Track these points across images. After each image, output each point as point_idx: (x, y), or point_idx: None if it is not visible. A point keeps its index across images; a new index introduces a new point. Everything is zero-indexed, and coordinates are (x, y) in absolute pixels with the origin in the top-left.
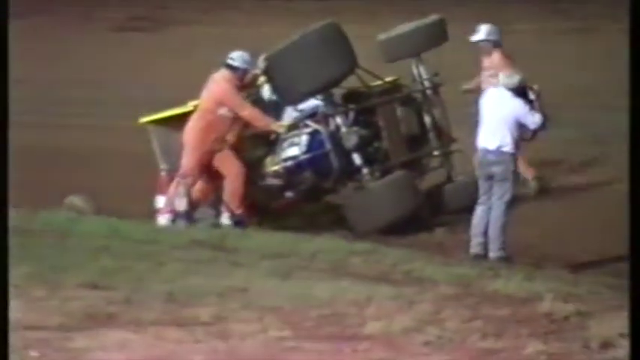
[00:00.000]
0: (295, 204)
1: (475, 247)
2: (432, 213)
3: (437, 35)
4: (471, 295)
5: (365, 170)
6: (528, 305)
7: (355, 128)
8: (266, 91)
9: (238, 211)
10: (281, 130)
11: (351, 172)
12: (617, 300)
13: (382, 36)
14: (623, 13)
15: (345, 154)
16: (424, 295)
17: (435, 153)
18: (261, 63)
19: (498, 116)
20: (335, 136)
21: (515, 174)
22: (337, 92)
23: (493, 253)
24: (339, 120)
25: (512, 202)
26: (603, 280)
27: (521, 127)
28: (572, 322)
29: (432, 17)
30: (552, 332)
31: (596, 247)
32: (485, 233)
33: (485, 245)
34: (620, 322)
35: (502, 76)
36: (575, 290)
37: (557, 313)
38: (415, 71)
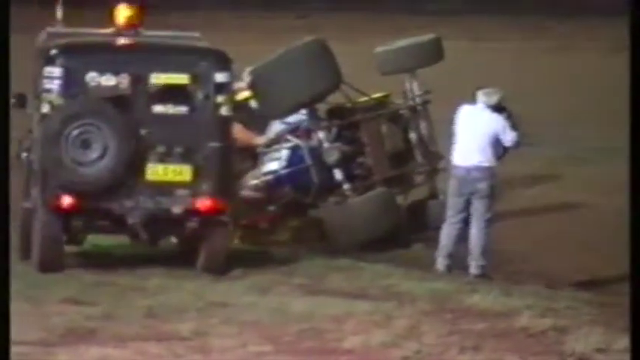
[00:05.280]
0: (276, 218)
1: (441, 265)
2: (415, 229)
3: (433, 53)
4: (449, 310)
5: (346, 186)
6: (506, 320)
7: (337, 144)
8: (254, 105)
9: None
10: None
11: (333, 187)
12: (594, 315)
13: (379, 49)
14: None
15: (326, 170)
16: (402, 310)
17: (420, 170)
18: (246, 77)
19: (479, 132)
20: (316, 151)
21: (497, 190)
22: (322, 107)
23: (473, 270)
24: (321, 135)
25: (493, 219)
26: (580, 296)
27: (497, 143)
28: (549, 337)
29: (430, 35)
30: (529, 347)
31: (573, 264)
32: (453, 253)
33: (450, 265)
34: (596, 337)
35: (481, 94)
36: (552, 305)
37: (535, 328)
38: (407, 87)
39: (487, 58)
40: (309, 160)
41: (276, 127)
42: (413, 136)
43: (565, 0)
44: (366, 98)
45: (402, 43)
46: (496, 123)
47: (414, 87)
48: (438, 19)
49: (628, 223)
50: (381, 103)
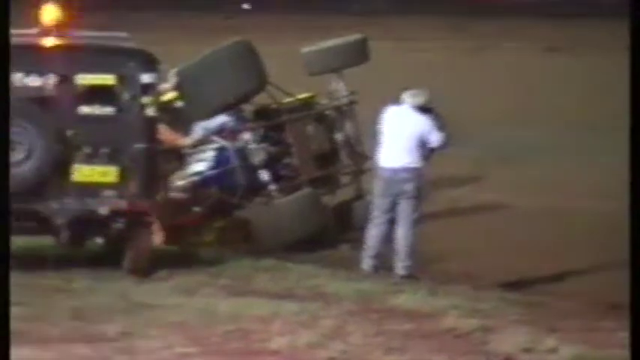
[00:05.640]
0: (202, 219)
1: (367, 265)
2: (341, 229)
3: (359, 53)
4: (375, 311)
5: (272, 187)
6: (432, 320)
7: (263, 145)
8: (180, 106)
9: None
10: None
11: (259, 188)
12: (520, 315)
13: (306, 49)
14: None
15: (252, 170)
16: (329, 310)
17: (346, 170)
18: (172, 78)
19: (405, 134)
20: (242, 152)
21: (424, 191)
22: (248, 108)
23: (400, 270)
24: (247, 136)
25: (419, 220)
26: (506, 296)
27: (423, 144)
28: (476, 337)
29: (356, 36)
30: (456, 347)
31: (499, 264)
32: (379, 253)
33: (376, 265)
34: (522, 337)
35: (407, 95)
36: (478, 305)
37: (461, 328)
38: (333, 87)
39: (413, 59)
40: (235, 161)
41: (201, 128)
42: (339, 136)
43: (489, 2)
44: (292, 99)
45: (329, 43)
46: (422, 124)
47: (340, 87)
48: (363, 19)
49: (554, 223)
50: (307, 103)
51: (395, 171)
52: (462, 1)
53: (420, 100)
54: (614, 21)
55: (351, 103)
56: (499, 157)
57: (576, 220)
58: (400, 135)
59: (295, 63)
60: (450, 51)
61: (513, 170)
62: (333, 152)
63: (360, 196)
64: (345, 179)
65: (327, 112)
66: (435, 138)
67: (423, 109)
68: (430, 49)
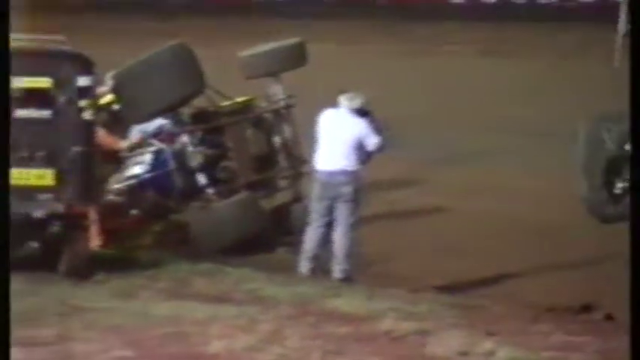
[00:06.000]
0: (140, 222)
1: (304, 269)
2: (279, 233)
3: (297, 57)
4: (313, 314)
5: (210, 190)
6: (369, 323)
7: (201, 148)
8: (117, 109)
9: None
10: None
11: (196, 191)
12: (456, 318)
13: (243, 53)
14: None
15: (189, 174)
16: (266, 314)
17: (284, 173)
18: (109, 80)
19: (342, 137)
20: (180, 156)
21: (361, 194)
22: (186, 112)
23: (337, 273)
24: (185, 139)
25: (357, 223)
26: (443, 299)
27: (360, 148)
28: (412, 340)
29: (294, 39)
30: (392, 350)
31: (437, 267)
32: (317, 256)
33: (314, 269)
34: (458, 340)
35: (343, 98)
36: (415, 309)
37: (398, 331)
38: (271, 91)
39: (351, 62)
40: (172, 165)
41: (139, 131)
42: (277, 140)
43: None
44: (230, 102)
45: (266, 47)
46: (359, 127)
47: (278, 91)
48: (301, 23)
49: (491, 226)
50: (246, 107)
51: (332, 174)
52: (399, 5)
53: (357, 103)
54: (549, 25)
55: (289, 106)
56: (437, 161)
57: (513, 223)
58: (337, 138)
59: (233, 66)
60: (388, 54)
61: (451, 173)
62: (271, 155)
63: (297, 199)
64: (283, 183)
65: (265, 116)
66: (372, 141)
67: (360, 112)
68: (368, 52)
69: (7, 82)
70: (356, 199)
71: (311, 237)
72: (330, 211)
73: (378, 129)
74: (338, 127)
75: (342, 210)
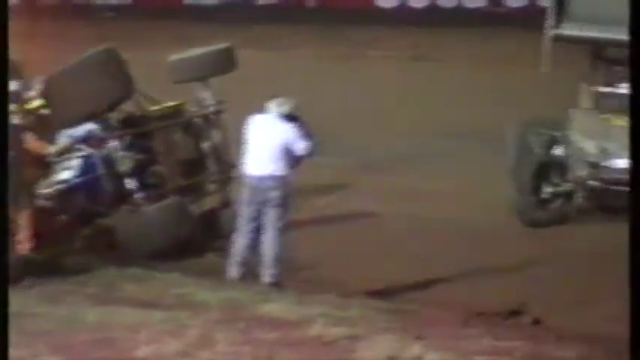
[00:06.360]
0: (69, 227)
1: (234, 273)
2: (209, 237)
3: (226, 62)
4: (242, 319)
5: (139, 195)
6: (299, 328)
7: (130, 153)
8: (46, 113)
9: None
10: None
11: (125, 196)
12: (386, 323)
13: (172, 57)
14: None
15: (118, 179)
16: (196, 319)
17: (213, 178)
18: (37, 85)
19: (270, 142)
20: (108, 160)
21: (289, 199)
22: (115, 116)
23: (267, 278)
24: (114, 144)
25: (286, 227)
26: (372, 304)
27: (289, 153)
28: (342, 345)
29: (222, 45)
30: (322, 355)
31: (366, 271)
32: (246, 260)
33: (243, 273)
34: (388, 345)
35: (272, 103)
36: (344, 313)
37: (328, 336)
38: (200, 96)
39: (281, 67)
40: (101, 169)
41: (68, 136)
42: (206, 145)
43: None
44: (159, 107)
45: (195, 52)
46: (287, 132)
47: (207, 96)
48: (232, 28)
49: (421, 231)
50: (175, 111)
51: (260, 179)
52: (330, 10)
53: (285, 108)
54: (479, 30)
55: (219, 111)
56: (367, 165)
57: (443, 228)
58: (265, 143)
59: (163, 71)
60: (318, 59)
61: (381, 178)
62: (200, 160)
63: (226, 204)
64: (212, 187)
65: (195, 121)
66: (300, 146)
67: (289, 117)
68: (298, 57)
69: (5, 83)
70: (284, 204)
71: (240, 241)
72: (258, 215)
73: (306, 134)
74: (266, 133)
75: (270, 215)
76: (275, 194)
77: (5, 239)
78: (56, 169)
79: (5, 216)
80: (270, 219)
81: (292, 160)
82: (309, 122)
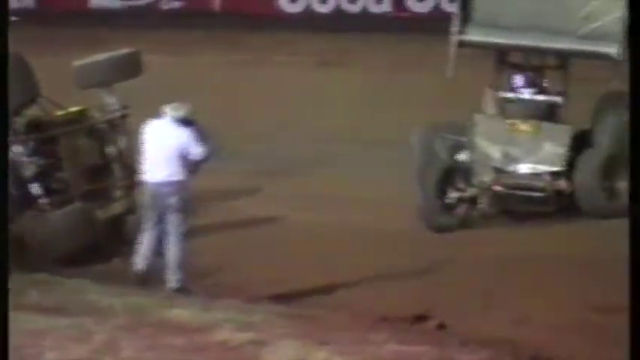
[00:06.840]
0: None
1: (138, 279)
2: (115, 243)
3: (131, 67)
4: (148, 325)
5: (43, 200)
6: (204, 334)
7: (35, 158)
8: None
9: None
10: None
11: (30, 201)
12: (291, 328)
13: (77, 62)
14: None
15: (23, 183)
16: (101, 325)
17: (119, 184)
18: None
19: (165, 147)
20: (13, 165)
21: (190, 204)
22: (19, 121)
23: (172, 283)
24: (18, 149)
25: (188, 233)
26: (277, 309)
27: (186, 157)
28: (248, 351)
29: (127, 50)
30: None
31: (272, 277)
32: (149, 267)
33: (147, 279)
34: (293, 350)
35: (168, 108)
36: (250, 319)
37: (233, 342)
38: (105, 101)
39: (187, 72)
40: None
41: None
42: (111, 150)
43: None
44: (64, 112)
45: (100, 57)
46: (182, 137)
47: (112, 101)
48: (137, 33)
49: (327, 236)
50: (80, 117)
51: (158, 185)
52: (235, 15)
53: (181, 112)
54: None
55: (124, 116)
56: (272, 171)
57: (349, 233)
58: (161, 148)
59: (68, 76)
60: (224, 65)
61: (286, 183)
62: (105, 166)
63: (132, 209)
64: (117, 193)
65: (100, 126)
66: (196, 151)
67: (185, 121)
68: (204, 62)
69: (5, 83)
70: (184, 209)
71: (144, 247)
72: (161, 220)
73: (203, 138)
74: (162, 138)
75: (171, 220)
76: (173, 200)
77: (5, 240)
78: None
79: (5, 216)
80: (172, 224)
81: (190, 165)
82: (207, 127)
